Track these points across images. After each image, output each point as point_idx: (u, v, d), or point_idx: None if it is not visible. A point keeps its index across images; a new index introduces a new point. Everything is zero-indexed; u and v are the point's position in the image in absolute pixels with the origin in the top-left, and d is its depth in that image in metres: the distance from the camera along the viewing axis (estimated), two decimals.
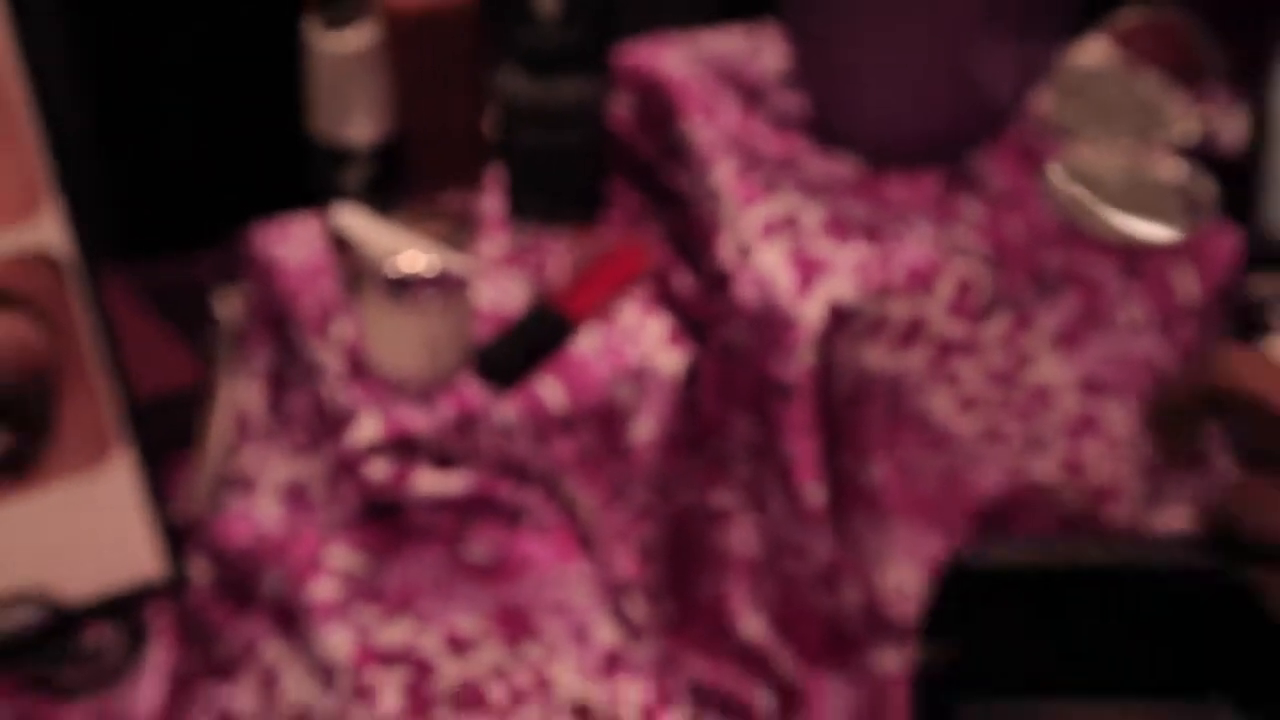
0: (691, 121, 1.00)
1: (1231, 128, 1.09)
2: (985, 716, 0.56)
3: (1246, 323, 1.03)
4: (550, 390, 0.93)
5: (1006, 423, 0.98)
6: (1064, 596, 0.55)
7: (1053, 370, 0.97)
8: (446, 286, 0.89)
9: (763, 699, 0.98)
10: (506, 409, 0.92)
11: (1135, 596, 0.54)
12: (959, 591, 0.54)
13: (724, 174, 0.97)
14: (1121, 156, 1.02)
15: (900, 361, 0.93)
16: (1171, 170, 1.01)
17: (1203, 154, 1.05)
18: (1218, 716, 0.55)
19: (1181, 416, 0.52)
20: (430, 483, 0.93)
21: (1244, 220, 1.03)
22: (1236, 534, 0.51)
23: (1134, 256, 0.97)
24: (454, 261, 0.89)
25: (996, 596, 0.55)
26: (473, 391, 0.93)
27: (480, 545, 0.95)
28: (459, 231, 0.91)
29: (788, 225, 0.94)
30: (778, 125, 1.02)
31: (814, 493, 0.92)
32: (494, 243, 1.02)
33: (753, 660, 0.98)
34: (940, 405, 0.94)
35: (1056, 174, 1.00)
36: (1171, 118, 1.05)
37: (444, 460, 0.93)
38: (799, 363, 0.90)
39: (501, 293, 0.99)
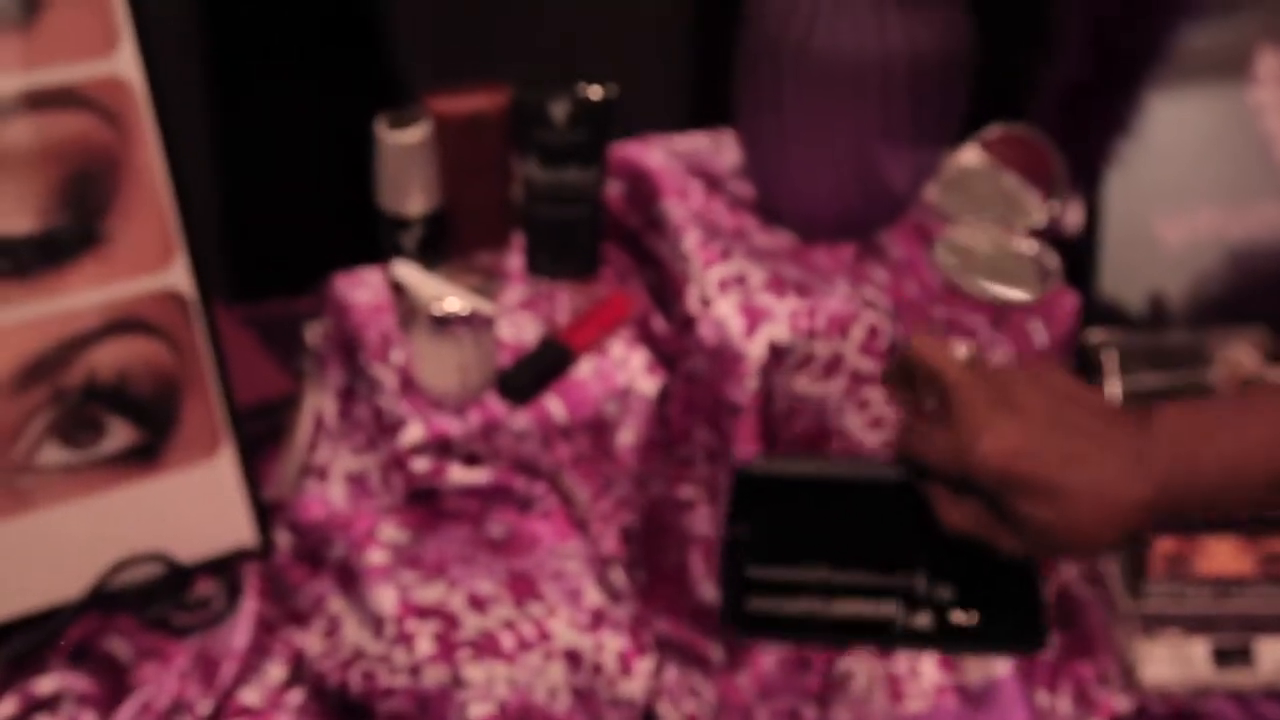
0: (667, 202, 1.02)
1: (1072, 215, 1.11)
2: (768, 575, 0.69)
3: (1084, 362, 1.03)
4: (555, 405, 0.96)
5: None
6: (814, 495, 0.68)
7: None
8: (477, 324, 0.92)
9: (715, 650, 0.99)
10: (521, 419, 0.96)
11: (858, 497, 0.68)
12: (747, 490, 0.68)
13: (691, 242, 0.99)
14: (989, 236, 1.04)
15: (823, 388, 0.95)
16: (1027, 247, 1.04)
17: (1050, 235, 1.06)
18: (915, 583, 0.68)
19: (899, 375, 0.69)
20: (461, 475, 0.96)
21: (1081, 286, 1.03)
22: (907, 458, 0.66)
23: (1000, 312, 0.99)
24: (483, 305, 0.92)
25: (771, 493, 0.71)
26: (495, 405, 0.96)
27: (498, 525, 0.98)
28: (488, 282, 0.95)
29: (738, 282, 0.96)
30: (732, 206, 1.04)
31: None
32: (515, 291, 1.04)
33: (707, 619, 0.99)
34: (854, 423, 0.97)
35: (941, 248, 1.03)
36: (1027, 207, 1.07)
37: (472, 458, 0.96)
38: (746, 388, 0.94)
39: (519, 330, 1.01)
